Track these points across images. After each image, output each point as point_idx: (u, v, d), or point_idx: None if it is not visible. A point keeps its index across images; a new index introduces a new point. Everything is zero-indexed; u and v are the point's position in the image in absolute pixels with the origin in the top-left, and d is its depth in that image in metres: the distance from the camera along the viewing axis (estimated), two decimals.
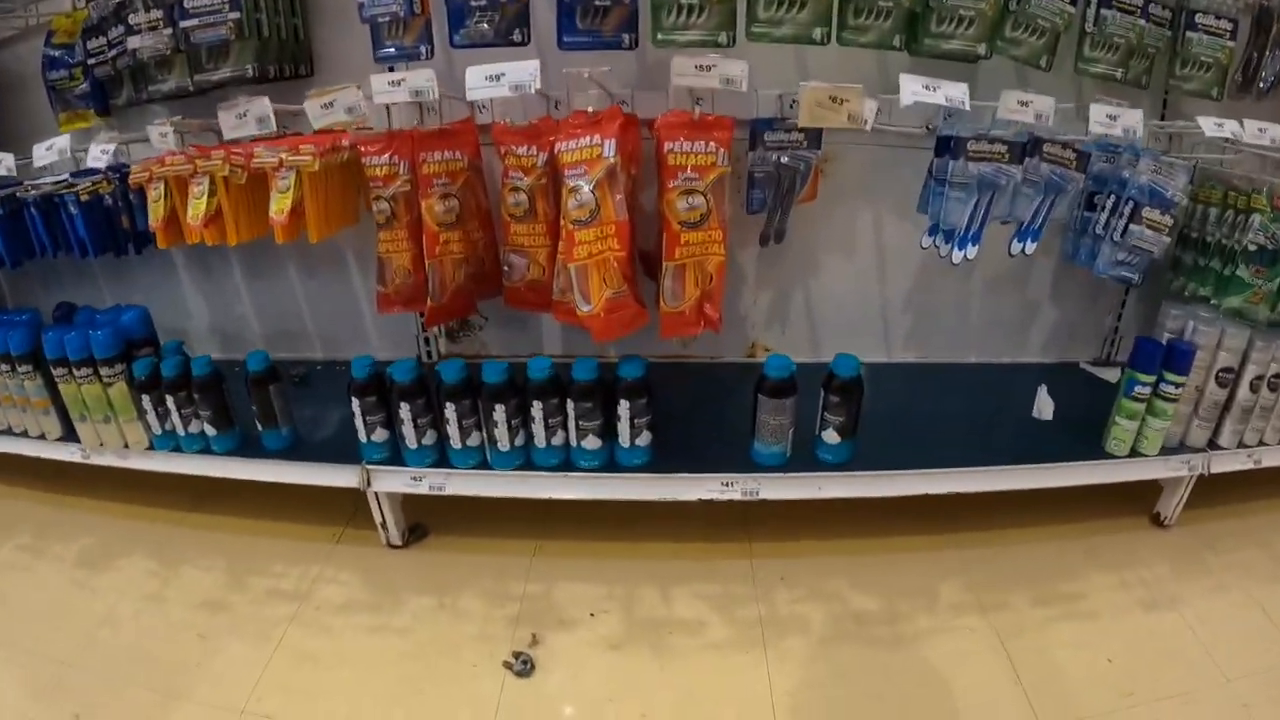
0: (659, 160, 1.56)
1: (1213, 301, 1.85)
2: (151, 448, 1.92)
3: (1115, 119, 1.65)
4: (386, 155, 1.67)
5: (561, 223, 1.54)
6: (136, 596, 1.82)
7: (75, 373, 1.84)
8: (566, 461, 1.76)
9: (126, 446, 1.93)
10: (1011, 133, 1.67)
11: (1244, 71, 1.85)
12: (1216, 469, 1.87)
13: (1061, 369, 2.18)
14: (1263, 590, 1.78)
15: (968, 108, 1.57)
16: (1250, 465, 1.90)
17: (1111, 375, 2.13)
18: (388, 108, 1.79)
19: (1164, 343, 1.77)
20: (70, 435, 1.97)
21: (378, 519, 1.90)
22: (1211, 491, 1.92)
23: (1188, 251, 1.93)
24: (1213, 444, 1.88)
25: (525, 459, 1.76)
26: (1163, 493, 1.95)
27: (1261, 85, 1.85)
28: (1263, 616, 1.72)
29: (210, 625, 1.73)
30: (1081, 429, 1.89)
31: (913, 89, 1.56)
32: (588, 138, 1.50)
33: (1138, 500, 2.00)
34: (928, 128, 1.74)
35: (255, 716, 1.52)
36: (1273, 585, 1.80)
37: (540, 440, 1.71)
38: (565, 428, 1.71)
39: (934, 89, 1.57)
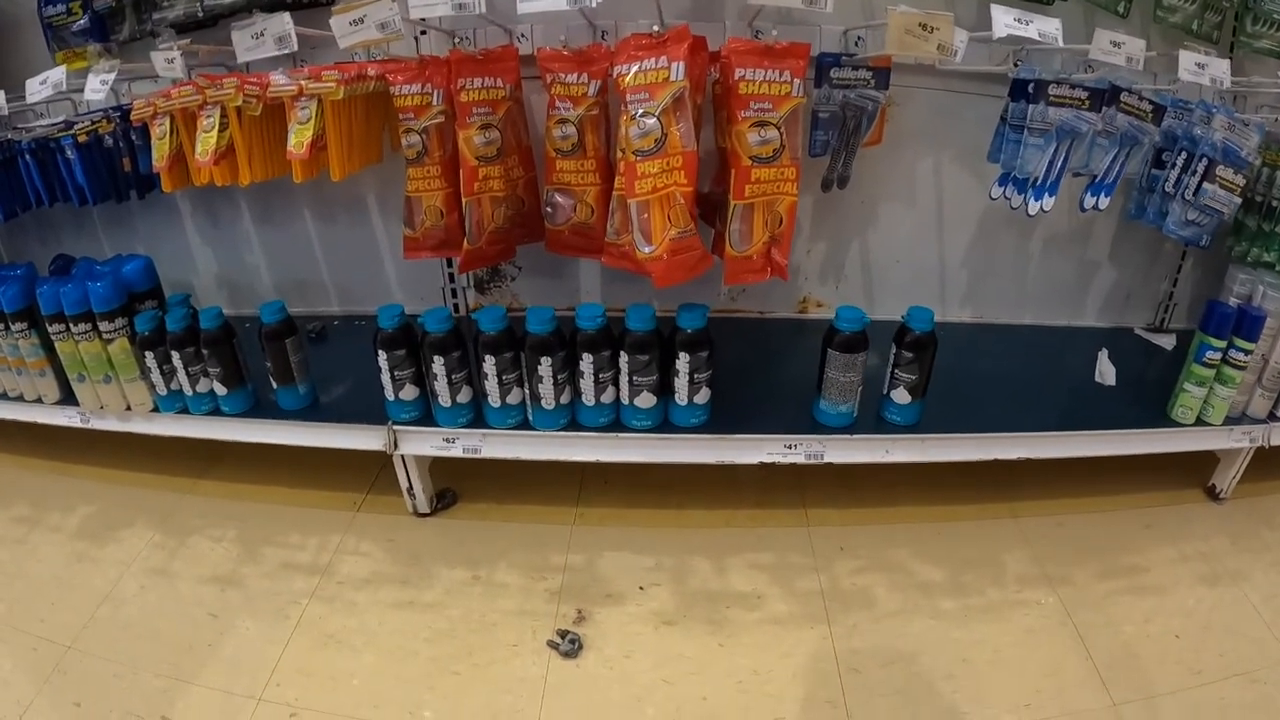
0: (728, 89, 1.32)
1: (1278, 268, 1.66)
2: (156, 410, 1.67)
3: (1204, 67, 1.47)
4: (418, 83, 1.43)
5: (621, 154, 1.30)
6: (141, 571, 1.59)
7: (72, 329, 1.59)
8: (616, 421, 1.52)
9: (129, 409, 1.68)
10: (1092, 78, 1.48)
11: None
12: (1277, 441, 1.68)
13: (1116, 334, 1.98)
14: None
15: (1061, 44, 1.37)
16: None
17: (1166, 342, 1.94)
18: (416, 37, 1.56)
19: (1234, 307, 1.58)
20: (69, 398, 1.73)
21: (404, 484, 1.66)
22: (1264, 465, 1.74)
23: (1251, 216, 1.74)
24: (1273, 415, 1.69)
25: (571, 418, 1.53)
26: (1219, 464, 1.77)
27: None
28: None
29: (222, 602, 1.51)
30: (1143, 395, 1.71)
31: (1005, 21, 1.35)
32: (653, 60, 1.26)
33: (1191, 471, 1.82)
34: (1015, 64, 1.52)
35: (274, 704, 1.30)
36: None
37: (589, 398, 1.47)
38: (617, 384, 1.47)
39: (1026, 22, 1.36)
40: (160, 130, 1.55)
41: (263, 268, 2.01)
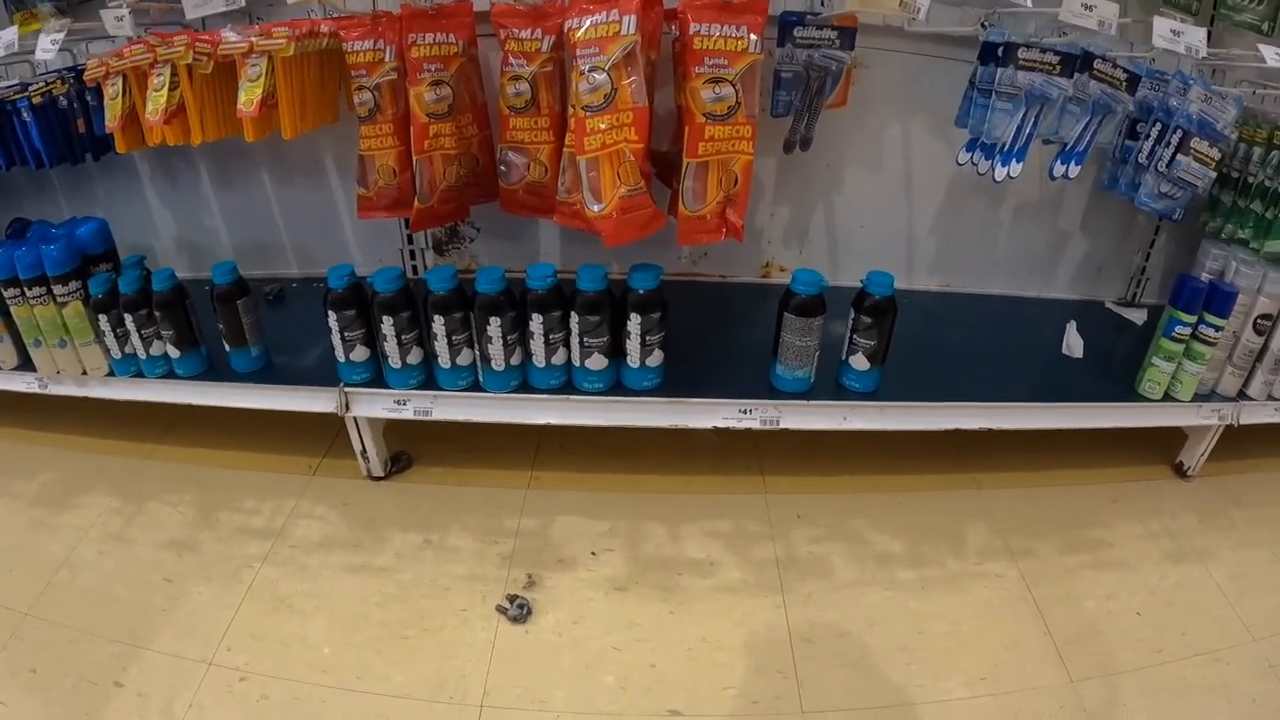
0: (683, 44, 1.29)
1: (1252, 245, 1.63)
2: (111, 373, 1.65)
3: (1179, 35, 1.42)
4: (370, 40, 1.40)
5: (571, 109, 1.27)
6: (99, 536, 1.57)
7: (27, 293, 1.56)
8: (568, 383, 1.50)
9: (85, 373, 1.66)
10: (1063, 43, 1.44)
11: None
12: (1246, 420, 1.66)
13: (1087, 306, 1.95)
14: None
15: (1030, 6, 1.33)
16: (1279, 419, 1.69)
17: (1137, 316, 1.91)
18: None
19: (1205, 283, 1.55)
20: (26, 364, 1.70)
21: (357, 447, 1.64)
22: (1232, 444, 1.71)
23: (1226, 191, 1.71)
24: (1242, 394, 1.67)
25: (522, 380, 1.51)
26: (1187, 441, 1.75)
27: None
28: None
29: (178, 567, 1.49)
30: (1111, 369, 1.68)
31: None
32: (604, 13, 1.23)
33: (1159, 448, 1.80)
34: (983, 25, 1.48)
35: (224, 669, 1.29)
36: None
37: (539, 359, 1.45)
38: (568, 345, 1.45)
39: None
40: (113, 90, 1.52)
41: (222, 230, 1.98)
